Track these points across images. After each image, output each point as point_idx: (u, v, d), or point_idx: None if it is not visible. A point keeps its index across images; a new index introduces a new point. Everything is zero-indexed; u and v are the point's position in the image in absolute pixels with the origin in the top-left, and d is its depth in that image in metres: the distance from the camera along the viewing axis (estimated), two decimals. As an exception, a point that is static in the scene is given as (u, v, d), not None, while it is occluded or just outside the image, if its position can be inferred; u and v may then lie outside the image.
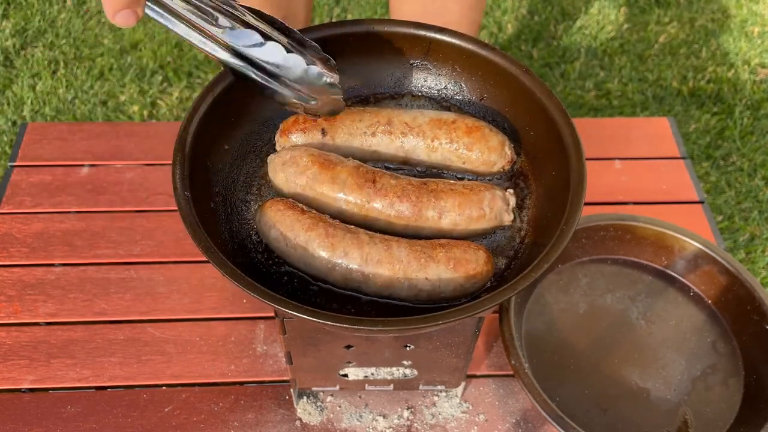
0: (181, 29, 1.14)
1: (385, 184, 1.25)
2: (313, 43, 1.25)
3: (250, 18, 1.19)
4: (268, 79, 1.21)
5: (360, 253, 1.19)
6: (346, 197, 1.25)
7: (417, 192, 1.25)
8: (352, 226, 1.23)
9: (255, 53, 1.17)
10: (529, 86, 1.34)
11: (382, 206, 1.25)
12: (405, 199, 1.24)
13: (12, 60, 3.64)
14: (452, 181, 1.29)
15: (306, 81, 1.21)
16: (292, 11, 2.31)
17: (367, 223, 1.26)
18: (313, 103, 1.26)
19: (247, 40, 1.15)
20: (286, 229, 1.21)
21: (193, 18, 1.13)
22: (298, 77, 1.20)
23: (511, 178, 1.37)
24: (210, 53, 1.17)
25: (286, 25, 1.23)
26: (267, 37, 1.16)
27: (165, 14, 1.12)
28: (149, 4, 1.10)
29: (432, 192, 1.25)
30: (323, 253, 1.19)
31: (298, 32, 1.24)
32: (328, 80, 1.20)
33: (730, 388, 1.60)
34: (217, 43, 1.16)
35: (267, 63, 1.18)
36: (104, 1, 1.01)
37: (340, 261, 1.19)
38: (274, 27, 1.22)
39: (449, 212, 1.24)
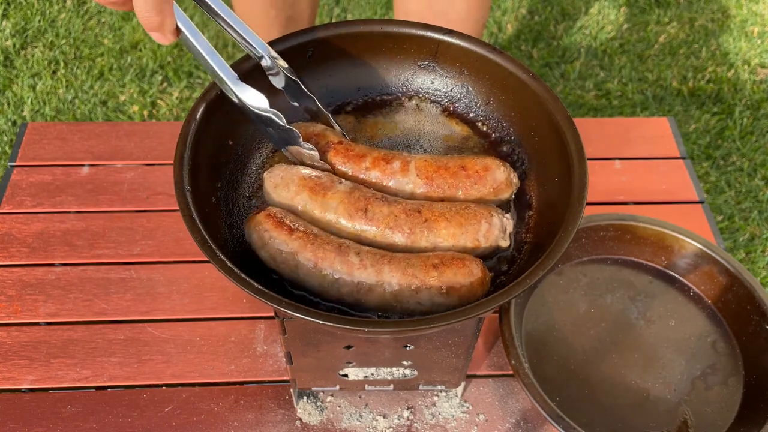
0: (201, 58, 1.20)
1: (377, 213, 1.23)
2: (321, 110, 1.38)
3: (281, 66, 1.31)
4: (265, 128, 1.28)
5: (350, 280, 1.17)
6: (338, 224, 1.24)
7: (410, 222, 1.23)
8: (344, 244, 1.21)
9: (256, 112, 1.24)
10: (535, 91, 1.34)
11: (373, 235, 1.23)
12: (397, 230, 1.23)
13: (12, 60, 3.64)
14: (447, 208, 1.25)
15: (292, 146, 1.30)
16: (297, 10, 2.32)
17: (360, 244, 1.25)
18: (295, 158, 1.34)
19: (252, 101, 1.22)
20: (275, 252, 1.20)
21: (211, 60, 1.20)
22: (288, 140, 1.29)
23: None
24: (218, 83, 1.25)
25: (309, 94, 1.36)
26: (272, 109, 1.24)
27: (192, 41, 1.17)
28: (183, 29, 1.15)
29: (426, 222, 1.23)
30: (313, 278, 1.19)
31: (313, 99, 1.36)
32: (308, 151, 1.29)
33: (730, 388, 1.60)
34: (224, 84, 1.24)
35: (268, 124, 1.26)
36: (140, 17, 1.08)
37: (330, 287, 1.18)
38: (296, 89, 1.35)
39: (443, 243, 1.23)
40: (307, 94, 1.36)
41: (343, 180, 1.28)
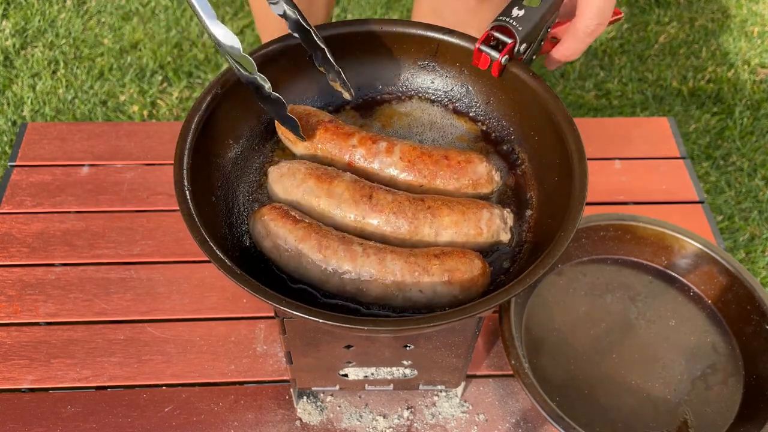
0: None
1: (381, 200, 1.24)
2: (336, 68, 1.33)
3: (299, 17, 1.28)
4: (237, 67, 1.24)
5: (353, 267, 1.18)
6: (342, 212, 1.25)
7: (413, 209, 1.24)
8: (347, 235, 1.22)
9: (228, 50, 1.21)
10: (535, 91, 1.34)
11: (377, 222, 1.24)
12: (401, 216, 1.23)
13: (12, 60, 3.64)
14: (450, 198, 1.28)
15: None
16: (312, 10, 2.33)
17: (363, 237, 1.25)
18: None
19: (225, 39, 1.19)
20: (280, 240, 1.20)
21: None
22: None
23: (515, 183, 1.37)
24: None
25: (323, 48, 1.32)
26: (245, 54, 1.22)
27: None
28: None
29: (429, 209, 1.24)
30: (316, 267, 1.19)
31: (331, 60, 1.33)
32: (263, 83, 1.24)
33: (730, 388, 1.60)
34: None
35: (239, 63, 1.23)
36: None
37: (332, 275, 1.19)
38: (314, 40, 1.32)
39: (446, 230, 1.24)
40: (316, 44, 1.31)
41: (347, 172, 1.30)
